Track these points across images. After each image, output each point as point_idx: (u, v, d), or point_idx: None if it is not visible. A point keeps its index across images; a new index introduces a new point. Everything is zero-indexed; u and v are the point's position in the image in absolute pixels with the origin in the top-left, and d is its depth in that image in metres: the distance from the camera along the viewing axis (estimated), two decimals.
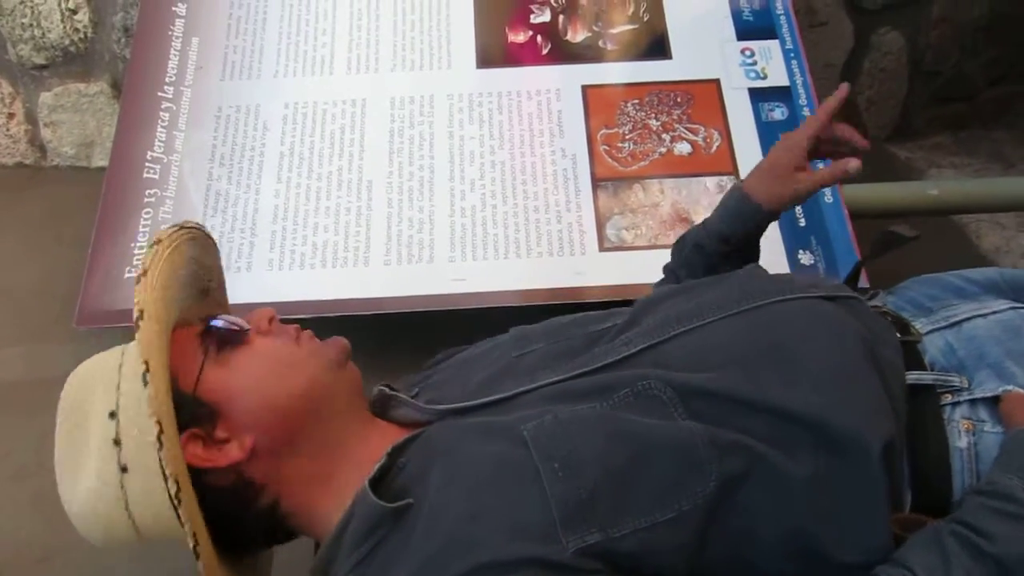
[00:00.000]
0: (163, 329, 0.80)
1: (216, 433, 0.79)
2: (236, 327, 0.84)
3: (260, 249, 1.43)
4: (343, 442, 0.82)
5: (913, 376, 0.85)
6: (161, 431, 0.73)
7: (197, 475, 0.78)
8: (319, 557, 0.79)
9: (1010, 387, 0.83)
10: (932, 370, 0.87)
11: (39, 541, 1.28)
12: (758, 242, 1.08)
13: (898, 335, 0.89)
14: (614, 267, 1.40)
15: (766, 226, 1.06)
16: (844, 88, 1.03)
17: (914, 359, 0.88)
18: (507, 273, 1.40)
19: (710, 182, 1.48)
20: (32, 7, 1.87)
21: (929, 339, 0.90)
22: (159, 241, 0.83)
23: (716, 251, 1.06)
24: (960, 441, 0.82)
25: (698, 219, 1.43)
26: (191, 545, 0.74)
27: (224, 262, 1.39)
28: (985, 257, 1.86)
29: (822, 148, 1.02)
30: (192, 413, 0.78)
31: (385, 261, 1.42)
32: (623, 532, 0.70)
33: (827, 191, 1.48)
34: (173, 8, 1.66)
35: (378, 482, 0.76)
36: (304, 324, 1.37)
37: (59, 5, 1.87)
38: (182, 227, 0.86)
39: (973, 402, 0.83)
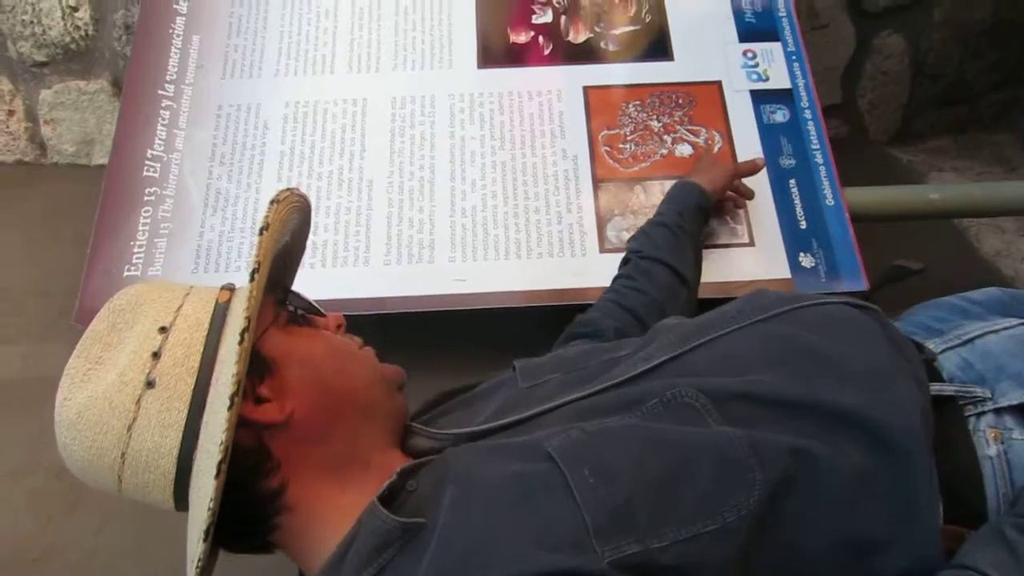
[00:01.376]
0: (263, 287, 0.75)
1: (260, 389, 0.73)
2: (313, 308, 0.82)
3: None
4: (368, 456, 0.77)
5: (935, 388, 0.84)
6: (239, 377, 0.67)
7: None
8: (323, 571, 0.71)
9: None
10: (952, 384, 0.86)
11: (35, 540, 1.28)
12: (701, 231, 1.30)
13: None
14: (615, 268, 1.39)
15: (708, 208, 1.31)
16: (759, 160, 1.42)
17: (934, 375, 0.87)
18: (508, 274, 1.40)
19: None
20: (33, 4, 1.87)
21: (944, 357, 0.90)
22: (278, 201, 0.78)
23: (676, 223, 1.23)
24: (989, 450, 0.81)
25: None
26: (207, 512, 0.66)
27: (224, 262, 1.42)
28: (985, 261, 1.86)
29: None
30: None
31: (385, 261, 1.41)
32: (663, 544, 0.65)
33: (828, 194, 1.48)
34: (174, 6, 1.65)
35: (386, 503, 0.70)
36: None
37: (60, 2, 1.87)
38: (292, 192, 0.82)
39: (998, 411, 0.83)
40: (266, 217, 0.76)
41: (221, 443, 0.65)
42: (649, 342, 0.86)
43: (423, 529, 0.67)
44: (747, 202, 1.46)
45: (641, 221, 1.44)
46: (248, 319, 0.69)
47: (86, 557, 1.26)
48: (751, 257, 1.41)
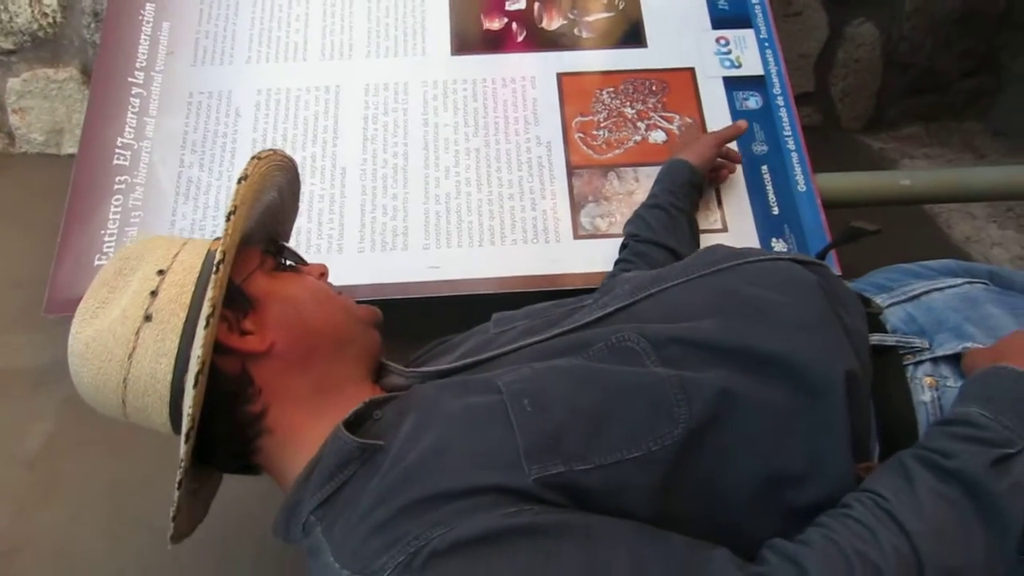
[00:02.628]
0: (239, 228, 0.82)
1: (244, 323, 0.82)
2: (295, 258, 0.91)
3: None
4: (344, 385, 0.85)
5: (876, 338, 0.89)
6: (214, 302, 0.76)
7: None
8: (288, 497, 0.80)
9: (969, 344, 0.87)
10: (894, 335, 0.92)
11: (7, 532, 1.27)
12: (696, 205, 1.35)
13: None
14: (588, 255, 1.40)
15: (700, 183, 1.34)
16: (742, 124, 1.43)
17: (877, 327, 0.93)
18: (482, 260, 1.40)
19: None
20: None
21: (890, 311, 0.96)
22: (259, 158, 0.86)
23: (669, 202, 1.28)
24: (924, 396, 0.86)
25: None
26: (186, 418, 0.75)
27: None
28: (956, 247, 1.89)
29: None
30: (231, 297, 0.81)
31: (359, 248, 1.41)
32: (587, 467, 0.71)
33: (800, 180, 1.49)
34: None
35: (352, 427, 0.78)
36: None
37: None
38: (275, 152, 0.90)
39: (935, 360, 0.88)
40: (245, 169, 0.83)
41: (199, 357, 0.74)
42: (607, 292, 0.93)
43: (381, 451, 0.75)
44: (721, 188, 1.47)
45: (615, 207, 1.45)
46: (223, 252, 0.77)
47: (58, 548, 1.25)
48: (724, 242, 1.41)
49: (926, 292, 0.96)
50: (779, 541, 0.70)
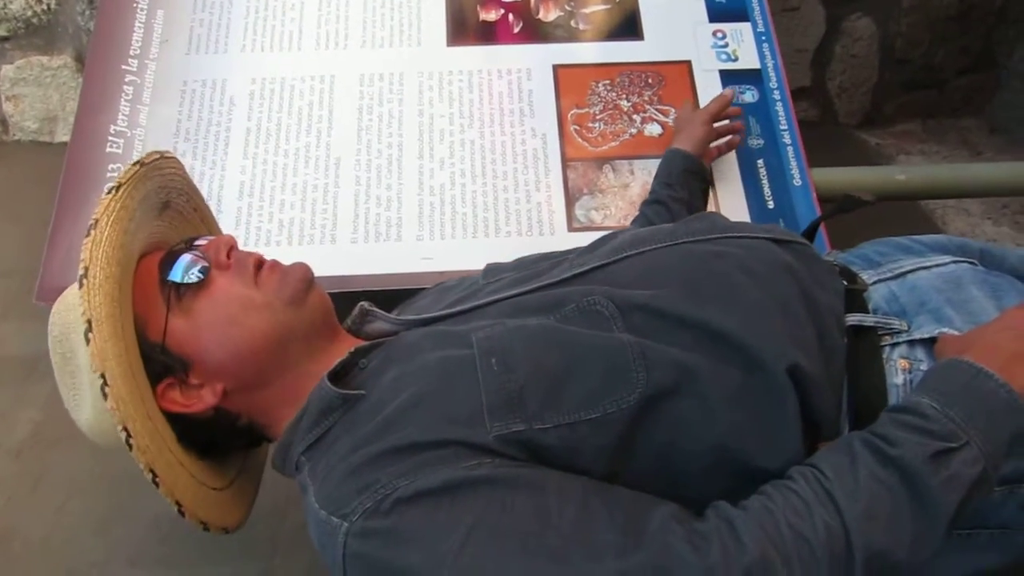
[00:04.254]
0: (116, 284, 0.81)
1: (190, 380, 0.85)
2: (193, 277, 0.86)
3: (225, 226, 1.40)
4: (309, 363, 0.87)
5: (855, 318, 0.90)
6: (105, 384, 0.76)
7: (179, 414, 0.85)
8: (280, 441, 0.86)
9: (946, 329, 0.88)
10: (875, 315, 0.92)
11: None
12: (700, 189, 1.34)
13: (844, 283, 0.95)
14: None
15: (697, 168, 1.33)
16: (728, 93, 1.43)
17: (859, 305, 0.94)
18: (475, 252, 1.39)
19: None
20: None
21: (874, 288, 0.96)
22: (119, 186, 0.84)
23: (667, 195, 1.27)
24: (897, 378, 0.87)
25: None
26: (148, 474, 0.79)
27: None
28: None
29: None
30: (164, 364, 0.84)
31: (352, 239, 1.40)
32: (546, 426, 0.75)
33: (796, 174, 1.48)
34: None
35: (338, 378, 0.83)
36: None
37: None
38: (140, 164, 0.88)
39: (912, 343, 0.89)
40: (95, 213, 0.82)
41: (135, 446, 0.78)
42: (591, 249, 0.96)
43: (363, 399, 0.80)
44: (716, 182, 1.46)
45: (610, 200, 1.45)
46: (88, 328, 0.77)
47: (46, 536, 1.25)
48: None
49: (912, 271, 0.97)
50: (722, 503, 0.74)
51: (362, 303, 0.95)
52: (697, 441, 0.78)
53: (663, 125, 1.52)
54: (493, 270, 0.99)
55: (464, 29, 1.62)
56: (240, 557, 1.21)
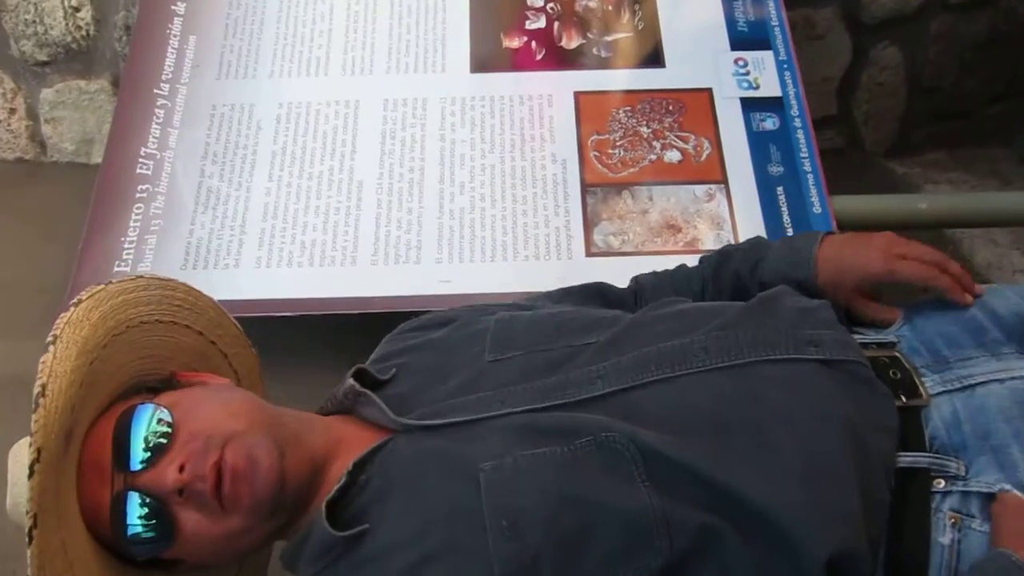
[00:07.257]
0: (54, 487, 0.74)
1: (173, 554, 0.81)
2: (152, 533, 0.77)
3: (249, 246, 1.44)
4: (310, 494, 0.82)
5: (908, 460, 0.81)
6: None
7: None
8: (288, 550, 0.84)
9: (1008, 487, 0.78)
10: (931, 448, 0.82)
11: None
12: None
13: (903, 398, 0.84)
14: (601, 272, 1.39)
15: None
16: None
17: (914, 429, 0.83)
18: (493, 275, 1.40)
19: (699, 190, 1.48)
20: (35, 4, 1.89)
21: (936, 403, 0.85)
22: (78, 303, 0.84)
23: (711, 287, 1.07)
24: (944, 537, 0.78)
25: (686, 227, 1.45)
26: None
27: (213, 259, 1.43)
28: (978, 273, 1.86)
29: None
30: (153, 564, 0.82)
31: (372, 261, 1.42)
32: None
33: (816, 202, 1.48)
34: (172, 7, 1.67)
35: (338, 501, 0.79)
36: (290, 322, 1.38)
37: (62, 3, 1.90)
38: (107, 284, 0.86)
39: (966, 494, 0.79)
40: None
41: None
42: (614, 345, 0.85)
43: (367, 536, 0.76)
44: (736, 209, 1.46)
45: (628, 226, 1.45)
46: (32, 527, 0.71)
47: None
48: None
49: (984, 383, 0.84)
50: None
51: (352, 383, 0.88)
52: None
53: (683, 152, 1.53)
54: (504, 337, 0.90)
55: (488, 56, 1.65)
56: None
